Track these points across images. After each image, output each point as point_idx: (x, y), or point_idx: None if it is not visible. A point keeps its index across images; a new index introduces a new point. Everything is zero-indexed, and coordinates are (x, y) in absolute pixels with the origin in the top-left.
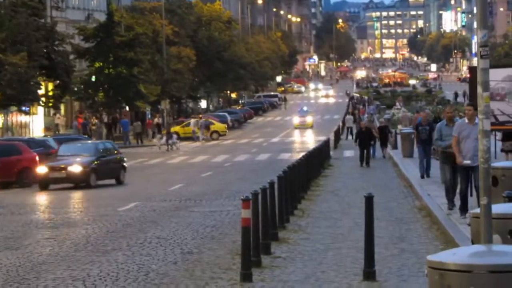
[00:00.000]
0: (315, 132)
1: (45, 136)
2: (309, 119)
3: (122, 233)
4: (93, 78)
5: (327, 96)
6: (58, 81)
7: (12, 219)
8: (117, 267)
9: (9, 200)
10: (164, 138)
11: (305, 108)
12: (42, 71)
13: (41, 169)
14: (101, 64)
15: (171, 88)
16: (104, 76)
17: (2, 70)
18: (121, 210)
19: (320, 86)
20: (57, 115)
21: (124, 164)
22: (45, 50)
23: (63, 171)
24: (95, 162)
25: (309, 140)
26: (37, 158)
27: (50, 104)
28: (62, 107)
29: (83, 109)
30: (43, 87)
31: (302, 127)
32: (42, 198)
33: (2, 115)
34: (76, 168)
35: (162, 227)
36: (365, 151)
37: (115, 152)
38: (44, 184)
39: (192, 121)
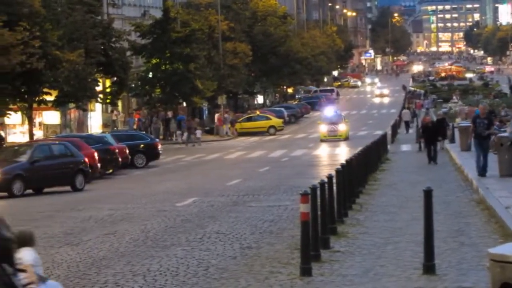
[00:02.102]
0: (373, 126)
1: (103, 132)
2: (341, 127)
3: (181, 228)
4: (150, 75)
5: (381, 95)
6: (115, 78)
7: (71, 215)
8: (176, 262)
9: (68, 196)
10: (186, 134)
11: (334, 112)
12: (99, 68)
13: None
14: (157, 60)
15: (227, 84)
16: (160, 72)
17: (59, 68)
18: (179, 205)
19: (376, 80)
20: (115, 112)
21: (85, 168)
22: (102, 47)
23: None
24: (24, 168)
25: (367, 135)
26: (95, 154)
27: (108, 101)
28: (119, 103)
29: (140, 105)
30: (100, 84)
31: (331, 139)
32: (101, 194)
33: (61, 112)
34: None
35: (220, 222)
36: (431, 147)
37: (71, 155)
38: None
39: (217, 115)
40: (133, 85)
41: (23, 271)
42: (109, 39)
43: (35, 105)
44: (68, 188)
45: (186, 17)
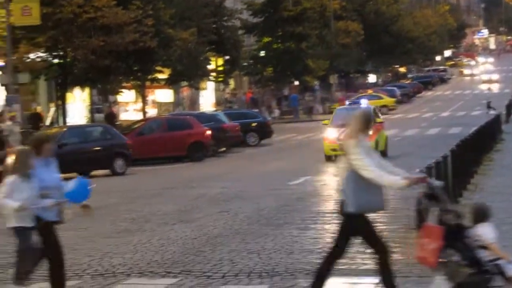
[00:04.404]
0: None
1: (215, 111)
2: None
3: (294, 207)
4: (262, 53)
5: (489, 81)
6: (227, 56)
7: (184, 193)
8: (291, 240)
9: (181, 174)
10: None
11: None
12: (211, 46)
13: None
14: (269, 39)
15: (339, 63)
16: (272, 51)
17: (172, 46)
18: (291, 184)
19: (491, 59)
20: (227, 90)
21: (126, 151)
22: (214, 26)
23: None
24: None
25: (480, 114)
26: (208, 132)
27: (220, 79)
28: (231, 82)
29: (252, 84)
30: (212, 63)
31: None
32: (213, 172)
33: (173, 90)
34: None
35: (335, 201)
36: None
37: (110, 138)
38: None
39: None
40: (245, 64)
41: (485, 248)
42: (221, 18)
43: (147, 83)
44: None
45: None
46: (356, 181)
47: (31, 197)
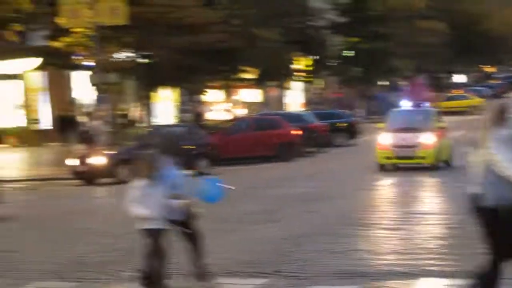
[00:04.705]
0: None
1: (304, 110)
2: (426, 139)
3: (381, 207)
4: (348, 53)
5: None
6: (313, 56)
7: (272, 193)
8: (379, 240)
9: (268, 174)
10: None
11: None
12: (297, 46)
13: None
14: (356, 38)
15: (426, 62)
16: (359, 51)
17: (258, 45)
18: (378, 184)
19: None
20: (313, 90)
21: (210, 151)
22: (300, 25)
23: None
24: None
25: None
26: (297, 132)
27: (306, 79)
28: (319, 81)
29: (339, 84)
30: (298, 62)
31: (402, 163)
32: (300, 171)
33: (260, 90)
34: None
35: (426, 202)
36: None
37: (196, 138)
38: None
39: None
40: (331, 64)
41: None
42: (307, 17)
43: (234, 83)
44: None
45: None
46: (495, 174)
47: (160, 200)
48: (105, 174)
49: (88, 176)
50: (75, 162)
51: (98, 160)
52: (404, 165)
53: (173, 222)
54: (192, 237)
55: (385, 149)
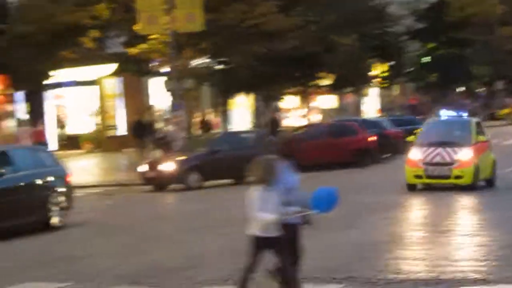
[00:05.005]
0: None
1: (380, 117)
2: (464, 155)
3: (459, 216)
4: (426, 59)
5: None
6: (390, 62)
7: (348, 199)
8: (456, 247)
9: (344, 180)
10: None
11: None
12: (374, 52)
13: None
14: (433, 44)
15: (504, 69)
16: (436, 57)
17: (334, 52)
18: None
19: None
20: (388, 96)
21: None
22: (376, 32)
23: None
24: (202, 159)
25: None
26: (373, 138)
27: (383, 85)
28: (395, 88)
29: (415, 90)
30: (376, 68)
31: (434, 183)
32: (375, 178)
33: (337, 96)
34: None
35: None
36: None
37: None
38: None
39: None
40: (409, 70)
41: None
42: (384, 23)
43: (311, 89)
44: None
45: (462, 1)
46: None
47: (278, 206)
48: (175, 180)
49: (158, 182)
50: (145, 168)
51: (168, 166)
52: (436, 184)
53: (288, 227)
54: (297, 247)
55: (416, 167)
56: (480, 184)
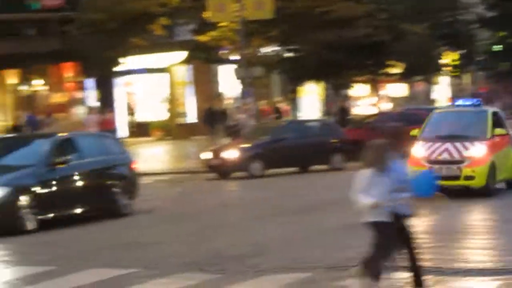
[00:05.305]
0: None
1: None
2: (476, 151)
3: None
4: (497, 48)
5: None
6: (461, 51)
7: None
8: None
9: None
10: None
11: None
12: (444, 40)
13: None
14: (504, 33)
15: None
16: (507, 46)
17: (405, 40)
18: None
19: None
20: (458, 85)
21: (344, 147)
22: (447, 20)
23: None
24: (266, 147)
25: None
26: None
27: (454, 74)
28: (466, 76)
29: (485, 79)
30: (446, 57)
31: (444, 185)
32: None
33: (408, 84)
34: None
35: None
36: None
37: (328, 133)
38: None
39: None
40: (479, 59)
41: None
42: (456, 11)
43: (381, 78)
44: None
45: None
46: None
47: (387, 192)
48: (238, 168)
49: (221, 170)
50: (209, 155)
51: (231, 154)
52: (447, 186)
53: (398, 215)
54: (407, 234)
55: (419, 165)
56: (498, 186)
